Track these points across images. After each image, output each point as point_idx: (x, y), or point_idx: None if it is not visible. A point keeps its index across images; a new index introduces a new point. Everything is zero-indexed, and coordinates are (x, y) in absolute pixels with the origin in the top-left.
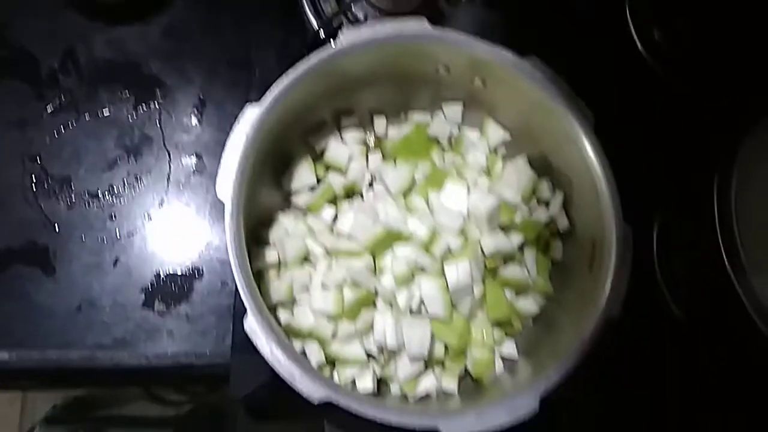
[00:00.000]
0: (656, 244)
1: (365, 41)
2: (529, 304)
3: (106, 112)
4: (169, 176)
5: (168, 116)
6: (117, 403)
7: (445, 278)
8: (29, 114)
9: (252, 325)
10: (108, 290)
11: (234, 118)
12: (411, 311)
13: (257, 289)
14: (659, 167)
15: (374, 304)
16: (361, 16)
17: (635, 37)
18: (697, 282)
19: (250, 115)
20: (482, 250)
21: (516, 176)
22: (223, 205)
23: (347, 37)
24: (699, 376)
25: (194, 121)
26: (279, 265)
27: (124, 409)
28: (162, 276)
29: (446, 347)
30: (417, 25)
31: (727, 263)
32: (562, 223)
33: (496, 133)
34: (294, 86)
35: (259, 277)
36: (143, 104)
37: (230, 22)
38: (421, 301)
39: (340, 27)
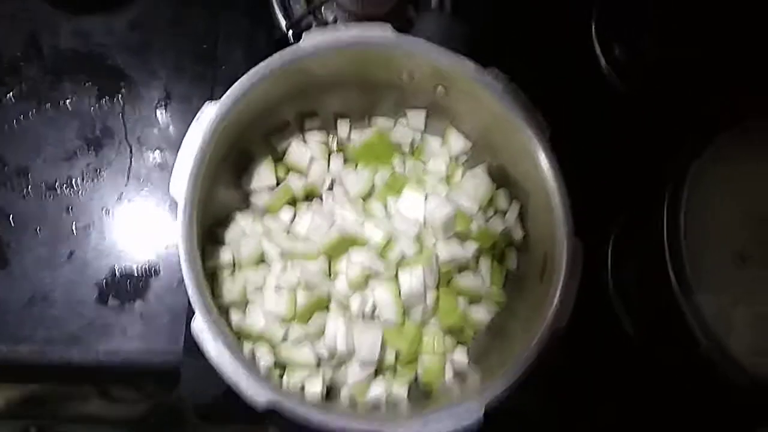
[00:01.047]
0: (610, 258)
1: (327, 44)
2: (481, 313)
3: (68, 103)
4: (129, 170)
5: (131, 109)
6: (72, 400)
7: (399, 284)
8: None
9: (199, 325)
10: (61, 284)
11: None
12: (363, 316)
13: (207, 289)
14: (616, 182)
15: (327, 309)
16: (330, 18)
17: (599, 52)
18: (647, 297)
19: (208, 113)
20: (437, 258)
21: (474, 185)
22: None
23: (310, 39)
24: (646, 390)
25: (158, 115)
26: (233, 265)
27: (79, 406)
28: (117, 272)
29: (397, 354)
30: (381, 31)
31: (673, 280)
32: (517, 233)
33: (457, 141)
34: (255, 86)
35: (212, 277)
36: (107, 96)
37: (198, 16)
38: (374, 307)
39: (308, 28)
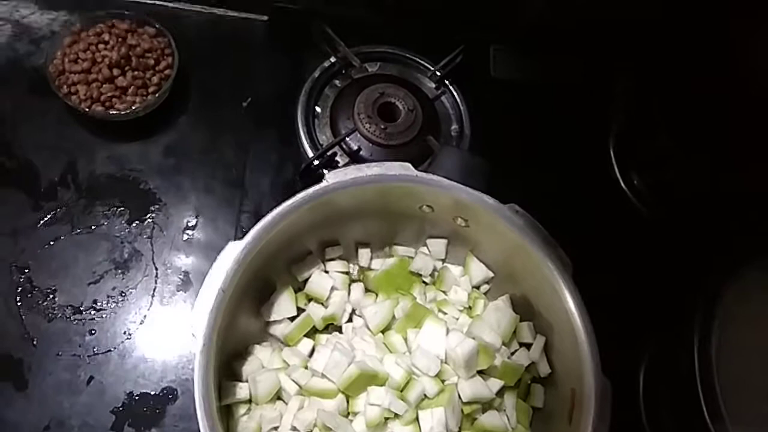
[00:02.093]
0: (642, 391)
1: (351, 182)
2: None
3: (100, 226)
4: (153, 293)
5: (160, 232)
6: None
7: (419, 425)
8: (23, 224)
9: None
10: (78, 410)
11: (224, 236)
12: None
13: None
14: (643, 311)
15: None
16: (354, 147)
17: (619, 179)
18: (681, 430)
19: (231, 252)
20: (459, 397)
21: (497, 318)
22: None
23: (334, 177)
24: None
25: (185, 238)
26: (250, 401)
27: None
28: (135, 396)
29: None
30: (402, 170)
31: (706, 414)
32: (543, 368)
33: (478, 270)
34: (278, 224)
35: (228, 412)
36: (137, 219)
37: (229, 144)
38: None
39: (333, 157)
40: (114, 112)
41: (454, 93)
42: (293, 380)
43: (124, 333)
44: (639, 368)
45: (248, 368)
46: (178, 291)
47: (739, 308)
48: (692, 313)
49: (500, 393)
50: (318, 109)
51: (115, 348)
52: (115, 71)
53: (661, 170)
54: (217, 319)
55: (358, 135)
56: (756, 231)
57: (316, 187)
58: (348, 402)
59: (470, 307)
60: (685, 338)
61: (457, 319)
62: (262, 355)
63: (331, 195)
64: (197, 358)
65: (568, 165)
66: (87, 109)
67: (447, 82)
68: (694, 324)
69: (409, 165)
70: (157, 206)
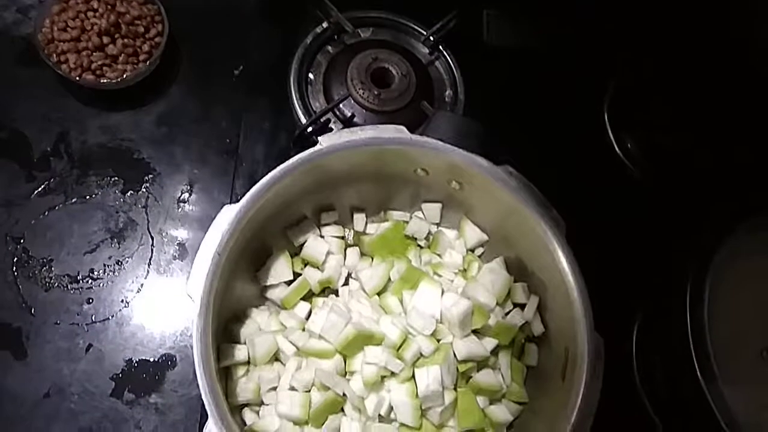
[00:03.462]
0: (635, 350)
1: (344, 145)
2: (502, 413)
3: (93, 196)
4: (150, 261)
5: (154, 201)
6: None
7: (416, 383)
8: (17, 195)
9: (212, 430)
10: (78, 377)
11: (220, 205)
12: (380, 417)
13: (221, 391)
14: (636, 271)
15: (342, 410)
16: (348, 114)
17: (613, 142)
18: (673, 390)
19: (227, 216)
20: (455, 356)
21: (491, 279)
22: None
23: (327, 140)
24: None
25: (180, 207)
26: (248, 363)
27: None
28: (134, 363)
29: None
30: (396, 133)
31: (698, 371)
32: (537, 328)
33: (473, 234)
34: (272, 187)
35: (227, 375)
36: (131, 189)
37: (222, 112)
38: (390, 408)
39: (327, 124)
40: (105, 81)
41: (448, 58)
42: (291, 342)
43: (122, 301)
44: (632, 329)
45: (246, 331)
46: (174, 259)
47: (730, 268)
48: (684, 273)
49: (495, 352)
50: (311, 75)
51: (112, 316)
52: (105, 39)
53: (655, 134)
54: (214, 282)
55: (352, 101)
56: (746, 192)
57: (310, 150)
58: (345, 362)
59: (465, 270)
60: (676, 299)
61: (452, 281)
62: (259, 318)
63: (324, 158)
64: (195, 321)
65: (563, 128)
66: (78, 78)
67: (441, 47)
68: (686, 284)
69: (403, 128)
70: (151, 176)
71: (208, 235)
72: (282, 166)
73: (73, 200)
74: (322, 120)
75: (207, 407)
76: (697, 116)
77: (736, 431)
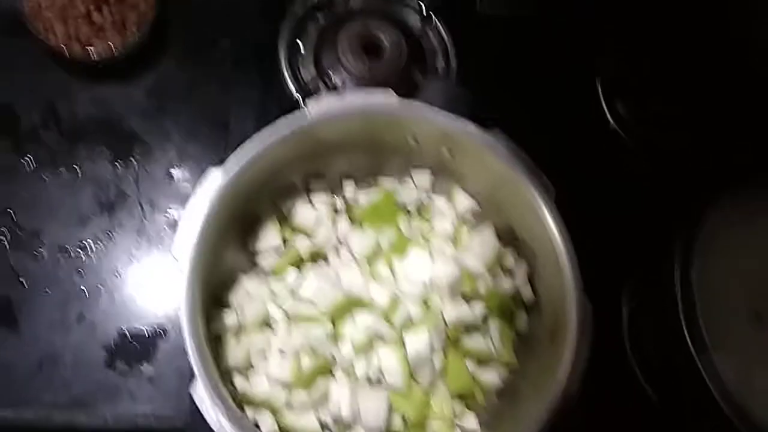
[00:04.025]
0: (625, 317)
1: (333, 110)
2: (491, 376)
3: (83, 168)
4: (141, 233)
5: (145, 173)
6: None
7: (405, 348)
8: (6, 166)
9: (200, 392)
10: (70, 347)
11: None
12: (370, 381)
13: (210, 354)
14: (627, 238)
15: (332, 374)
16: (339, 83)
17: (605, 109)
18: (664, 357)
19: (213, 178)
20: (444, 320)
21: (481, 245)
22: None
23: (315, 105)
24: None
25: (170, 179)
26: (238, 328)
27: None
28: (126, 334)
29: (405, 419)
30: (385, 98)
31: (688, 339)
32: (527, 294)
33: (463, 201)
34: (260, 151)
35: (217, 341)
36: (121, 161)
37: (212, 83)
38: (380, 371)
39: (317, 93)
40: (94, 53)
41: (440, 28)
42: (280, 307)
43: (113, 272)
44: (622, 297)
45: (235, 297)
46: (165, 231)
47: (719, 236)
48: (674, 240)
49: (484, 318)
50: (301, 46)
51: (104, 287)
52: (93, 9)
53: (648, 102)
54: (201, 245)
55: (343, 71)
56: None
57: (297, 114)
58: (334, 327)
59: (455, 237)
60: (666, 266)
61: (442, 248)
62: (249, 284)
63: (313, 124)
64: (182, 283)
65: (555, 97)
66: (66, 50)
67: (433, 16)
68: (675, 251)
69: (392, 92)
70: (141, 148)
71: (193, 198)
72: (269, 128)
73: (63, 172)
74: (312, 90)
75: (194, 366)
76: (692, 84)
77: (726, 398)
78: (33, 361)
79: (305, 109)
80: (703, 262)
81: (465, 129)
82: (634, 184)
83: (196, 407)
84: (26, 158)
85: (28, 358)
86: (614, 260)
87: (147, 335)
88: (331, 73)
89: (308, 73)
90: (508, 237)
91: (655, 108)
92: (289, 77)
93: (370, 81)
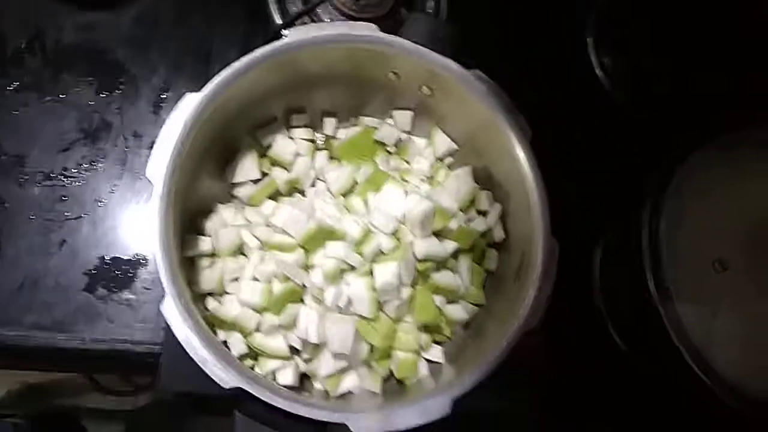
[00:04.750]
0: (599, 265)
1: (313, 39)
2: (459, 312)
3: (67, 95)
4: (124, 163)
5: (129, 104)
6: (71, 394)
7: (374, 278)
8: None
9: (169, 307)
10: (51, 271)
11: None
12: (339, 309)
13: (183, 275)
14: (606, 189)
15: (302, 300)
16: (326, 18)
17: (594, 61)
18: (631, 304)
19: (189, 103)
20: (414, 255)
21: (456, 185)
22: None
23: (296, 33)
24: (634, 399)
25: (154, 110)
26: (213, 255)
27: (78, 400)
28: (107, 260)
29: (371, 348)
30: (366, 30)
31: (652, 286)
32: (498, 234)
33: (443, 142)
34: (238, 77)
35: (192, 266)
36: (106, 90)
37: (200, 16)
38: (349, 301)
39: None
40: None
41: None
42: (254, 236)
43: (96, 201)
44: (595, 246)
45: (211, 224)
46: (147, 161)
47: (692, 184)
48: (647, 190)
49: (455, 255)
50: None
51: (87, 214)
52: None
53: (638, 55)
54: (176, 168)
55: (330, 6)
56: (707, 114)
57: (276, 42)
58: (306, 256)
59: (431, 177)
60: (635, 216)
61: (418, 187)
62: (225, 213)
63: (293, 53)
64: (155, 201)
65: (544, 43)
66: None
67: None
68: (646, 202)
69: (374, 26)
70: (126, 78)
71: (169, 121)
72: (248, 55)
73: (47, 98)
74: (297, 24)
75: (164, 282)
76: (682, 39)
77: (688, 346)
78: (14, 284)
79: (285, 37)
80: (673, 213)
81: (444, 66)
82: (617, 135)
83: (171, 332)
84: (11, 82)
85: (9, 280)
86: (590, 208)
87: (127, 263)
88: (317, 7)
89: (295, 6)
90: (485, 181)
91: (646, 62)
92: (276, 11)
93: (357, 17)
